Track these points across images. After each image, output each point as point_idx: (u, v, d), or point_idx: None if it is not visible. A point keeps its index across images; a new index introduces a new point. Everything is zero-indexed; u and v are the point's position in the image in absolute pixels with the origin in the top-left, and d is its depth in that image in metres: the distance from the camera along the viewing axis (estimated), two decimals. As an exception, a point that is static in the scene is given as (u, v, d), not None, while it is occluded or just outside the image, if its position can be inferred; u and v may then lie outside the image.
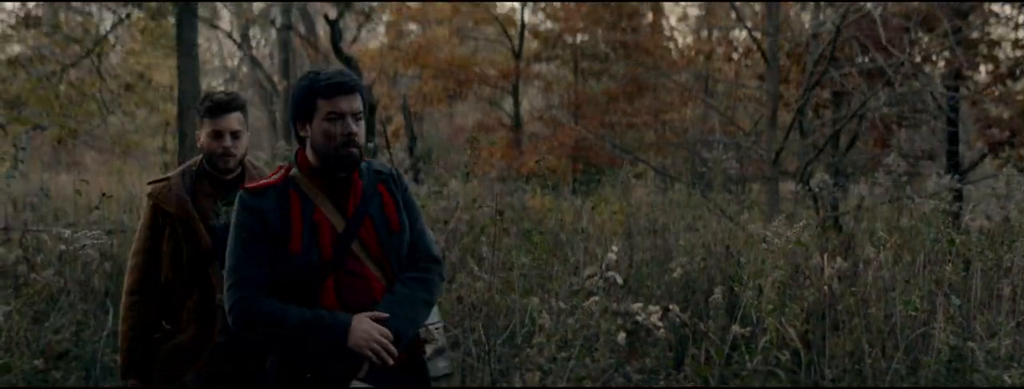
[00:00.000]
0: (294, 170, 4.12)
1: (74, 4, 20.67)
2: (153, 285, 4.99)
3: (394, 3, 26.86)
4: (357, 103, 4.04)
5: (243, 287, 3.87)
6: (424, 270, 4.20)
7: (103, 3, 19.37)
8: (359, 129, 4.03)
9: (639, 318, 6.64)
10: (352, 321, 3.86)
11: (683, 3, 30.59)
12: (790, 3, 18.30)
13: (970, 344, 6.73)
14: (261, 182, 4.09)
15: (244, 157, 5.11)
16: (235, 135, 5.00)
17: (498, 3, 28.67)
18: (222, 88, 35.36)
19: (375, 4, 26.81)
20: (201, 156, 5.16)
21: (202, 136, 5.03)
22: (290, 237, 3.95)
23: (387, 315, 3.94)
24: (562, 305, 7.33)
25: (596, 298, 6.73)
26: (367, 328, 3.87)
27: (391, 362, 3.92)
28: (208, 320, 4.91)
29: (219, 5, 27.65)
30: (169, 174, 5.18)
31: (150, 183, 5.20)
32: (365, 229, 4.07)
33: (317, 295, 3.95)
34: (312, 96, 4.00)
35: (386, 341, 3.88)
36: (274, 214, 3.97)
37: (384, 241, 4.09)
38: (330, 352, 3.87)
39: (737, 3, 15.08)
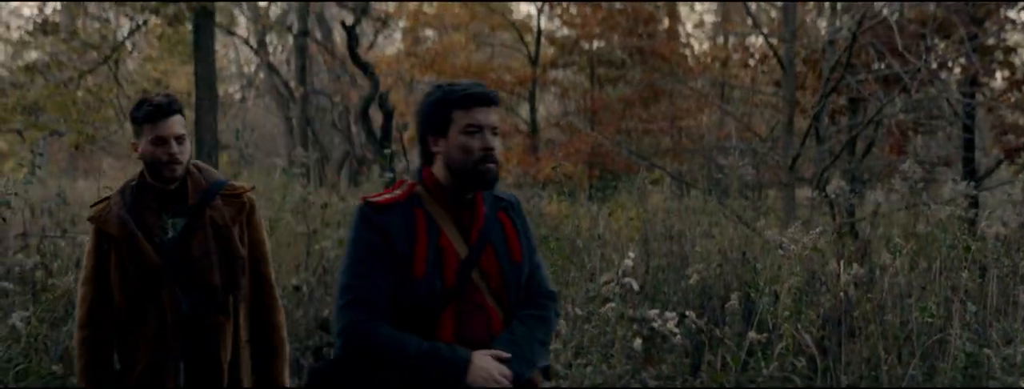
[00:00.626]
0: (419, 187, 3.83)
1: (91, 11, 20.74)
2: (105, 316, 4.56)
3: (411, 9, 26.89)
4: (494, 116, 3.76)
5: (358, 308, 3.63)
6: (542, 307, 3.91)
7: (121, 5, 19.41)
8: (497, 144, 3.75)
9: (655, 324, 6.67)
10: (472, 358, 3.59)
11: (699, 9, 30.57)
12: (807, 9, 18.30)
13: (986, 351, 6.73)
14: (385, 196, 3.80)
15: (188, 164, 4.67)
16: (180, 140, 4.56)
17: (514, 5, 28.74)
18: (239, 94, 35.38)
19: (391, 10, 26.88)
20: (140, 170, 4.69)
21: (142, 145, 4.56)
22: (414, 259, 3.67)
23: (508, 355, 3.66)
24: (579, 311, 7.36)
25: (612, 304, 6.76)
26: (487, 366, 3.59)
27: None
28: (164, 346, 4.51)
29: (236, 12, 27.75)
30: (109, 194, 4.75)
31: (93, 205, 4.78)
32: (486, 257, 3.78)
33: (434, 325, 3.68)
34: (447, 108, 3.73)
35: (506, 382, 3.60)
36: (400, 232, 3.69)
37: (505, 272, 3.79)
38: (445, 388, 3.60)
39: (753, 9, 15.14)
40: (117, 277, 4.51)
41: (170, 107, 4.53)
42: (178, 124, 4.55)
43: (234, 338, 4.64)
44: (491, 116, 3.73)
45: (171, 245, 4.54)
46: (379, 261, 3.67)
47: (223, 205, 4.69)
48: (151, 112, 4.49)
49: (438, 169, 3.79)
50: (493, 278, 3.77)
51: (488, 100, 3.73)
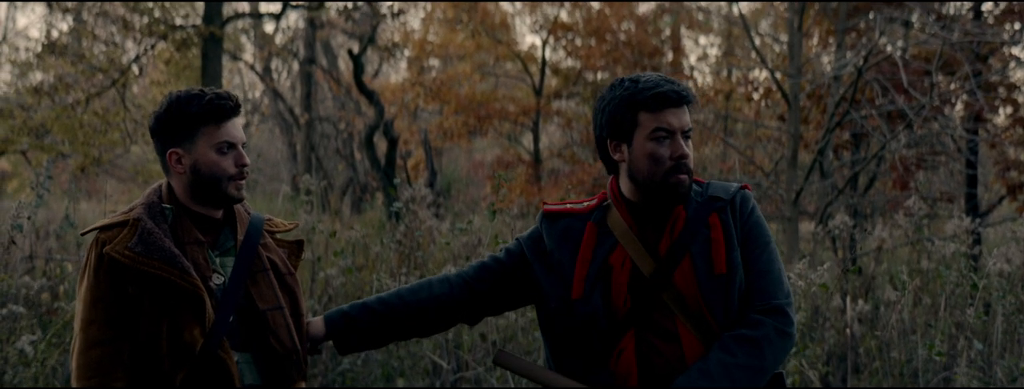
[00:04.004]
0: (607, 200, 3.30)
1: (99, 34, 20.81)
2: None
3: (416, 38, 26.95)
4: (687, 117, 3.18)
5: None
6: (754, 325, 3.09)
7: (129, 29, 19.48)
8: (690, 150, 3.17)
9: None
10: None
11: (703, 43, 30.68)
12: (812, 44, 18.38)
13: (992, 389, 6.75)
14: (567, 206, 3.35)
15: None
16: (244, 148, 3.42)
17: (520, 36, 28.81)
18: (243, 120, 35.34)
19: (397, 39, 26.94)
20: (163, 185, 3.47)
21: (196, 153, 3.34)
22: (573, 279, 3.16)
23: None
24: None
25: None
26: None
27: None
28: None
29: (244, 39, 27.85)
30: (128, 214, 3.35)
31: (101, 229, 3.34)
32: (681, 273, 3.13)
33: (609, 357, 3.13)
34: (632, 109, 3.15)
35: None
36: (559, 248, 3.26)
37: (704, 288, 3.11)
38: None
39: (758, 44, 15.19)
40: (167, 337, 3.19)
41: (238, 103, 3.41)
42: (242, 128, 3.45)
43: None
44: (684, 117, 3.18)
45: (223, 297, 3.30)
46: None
47: (276, 245, 3.59)
48: (219, 107, 3.34)
49: (623, 181, 3.26)
50: (689, 297, 3.12)
51: (681, 99, 3.17)
